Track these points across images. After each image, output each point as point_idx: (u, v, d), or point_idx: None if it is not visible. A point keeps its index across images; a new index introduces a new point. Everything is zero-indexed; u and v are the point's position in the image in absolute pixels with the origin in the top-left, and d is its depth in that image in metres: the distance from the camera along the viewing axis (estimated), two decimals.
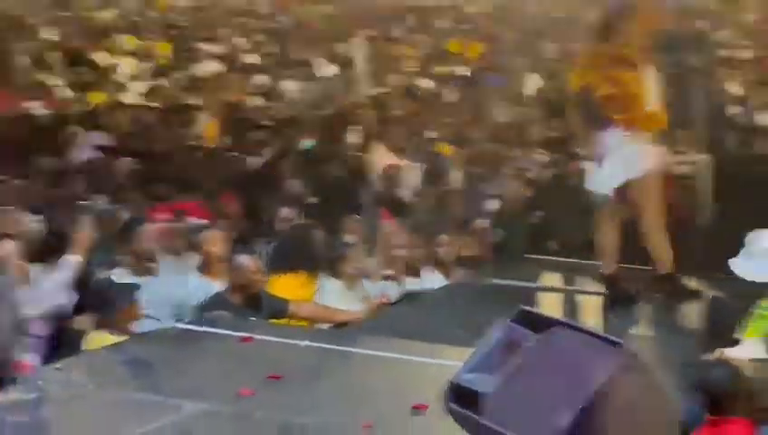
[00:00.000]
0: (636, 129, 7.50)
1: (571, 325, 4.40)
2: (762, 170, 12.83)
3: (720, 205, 11.83)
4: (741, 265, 6.91)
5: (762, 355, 5.82)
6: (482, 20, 24.41)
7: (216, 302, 7.14)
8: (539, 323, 4.44)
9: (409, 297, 7.98)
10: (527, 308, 4.81)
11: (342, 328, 7.14)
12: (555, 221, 10.18)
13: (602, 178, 7.59)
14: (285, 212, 8.56)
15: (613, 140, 7.49)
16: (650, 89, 7.56)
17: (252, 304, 7.10)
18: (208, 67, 16.49)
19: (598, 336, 4.24)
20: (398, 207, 9.60)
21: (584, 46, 7.89)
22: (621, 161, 7.50)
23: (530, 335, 4.37)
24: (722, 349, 5.88)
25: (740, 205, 11.39)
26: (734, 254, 8.68)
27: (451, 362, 5.76)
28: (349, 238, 7.96)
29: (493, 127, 12.48)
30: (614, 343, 4.11)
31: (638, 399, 4.01)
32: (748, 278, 6.81)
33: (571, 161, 10.68)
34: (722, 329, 6.08)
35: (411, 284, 8.18)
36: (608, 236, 7.83)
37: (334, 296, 7.44)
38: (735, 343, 5.96)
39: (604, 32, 7.56)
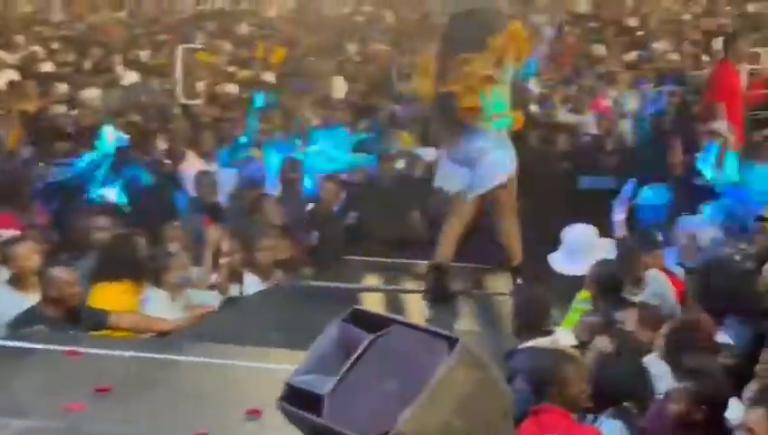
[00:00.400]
0: (499, 132, 7.83)
1: (406, 323, 4.46)
2: (562, 168, 13.29)
3: (524, 201, 12.21)
4: (557, 260, 7.20)
5: (571, 342, 6.04)
6: (282, 24, 24.49)
7: (29, 316, 6.96)
8: (373, 323, 4.48)
9: (231, 303, 7.95)
10: (360, 308, 4.86)
11: (166, 337, 7.06)
12: (371, 222, 10.30)
13: (472, 179, 7.89)
14: (101, 221, 8.38)
15: (480, 142, 7.76)
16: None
17: (70, 316, 6.95)
18: (4, 76, 16.02)
19: (432, 332, 4.31)
20: (214, 213, 9.53)
21: (441, 54, 7.93)
22: (491, 165, 7.83)
23: (364, 335, 4.42)
24: (535, 339, 6.08)
25: (543, 201, 11.80)
26: (540, 247, 9.04)
27: (280, 365, 5.78)
28: (171, 246, 7.86)
29: (301, 130, 12.51)
30: (449, 339, 4.20)
31: (475, 392, 4.10)
32: (563, 272, 7.10)
33: (384, 162, 10.82)
34: (537, 321, 6.26)
35: (234, 289, 8.15)
36: (454, 232, 8.11)
37: (159, 305, 7.36)
38: (548, 334, 6.17)
39: (472, 45, 7.69)
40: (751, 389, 5.49)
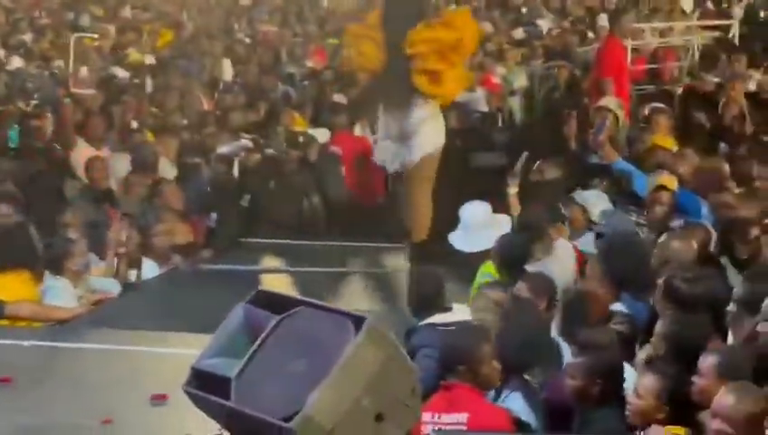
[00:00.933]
0: (442, 103, 8.43)
1: (312, 303, 4.49)
2: (454, 145, 13.42)
3: None
4: (457, 239, 7.28)
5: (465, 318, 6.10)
6: (167, 6, 24.16)
7: None
8: (278, 304, 4.51)
9: (130, 289, 7.89)
10: (264, 289, 4.88)
11: (65, 325, 6.98)
12: (265, 205, 10.29)
13: (410, 150, 8.33)
14: (3, 209, 8.22)
15: (420, 113, 8.24)
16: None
17: None
18: None
19: (339, 312, 4.35)
20: (107, 199, 9.41)
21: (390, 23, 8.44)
22: (425, 136, 8.34)
23: (270, 316, 4.44)
24: (433, 316, 6.13)
25: (436, 179, 11.93)
26: (434, 225, 9.17)
27: (182, 349, 5.77)
28: (70, 233, 7.75)
29: (195, 114, 12.41)
30: (356, 318, 4.24)
31: (383, 370, 4.16)
32: (464, 250, 7.18)
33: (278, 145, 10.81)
34: (432, 298, 6.30)
35: (132, 275, 8.08)
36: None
37: (60, 294, 7.25)
38: (446, 310, 6.22)
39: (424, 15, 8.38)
40: (641, 356, 5.63)
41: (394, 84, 8.32)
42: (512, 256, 6.73)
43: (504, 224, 7.39)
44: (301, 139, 11.27)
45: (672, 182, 7.83)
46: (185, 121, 12.13)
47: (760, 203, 7.48)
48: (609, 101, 10.01)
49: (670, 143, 9.63)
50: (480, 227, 7.31)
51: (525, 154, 8.87)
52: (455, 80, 8.37)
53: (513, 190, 8.30)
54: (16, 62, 16.28)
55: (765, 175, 7.89)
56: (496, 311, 5.90)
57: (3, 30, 19.80)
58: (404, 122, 8.30)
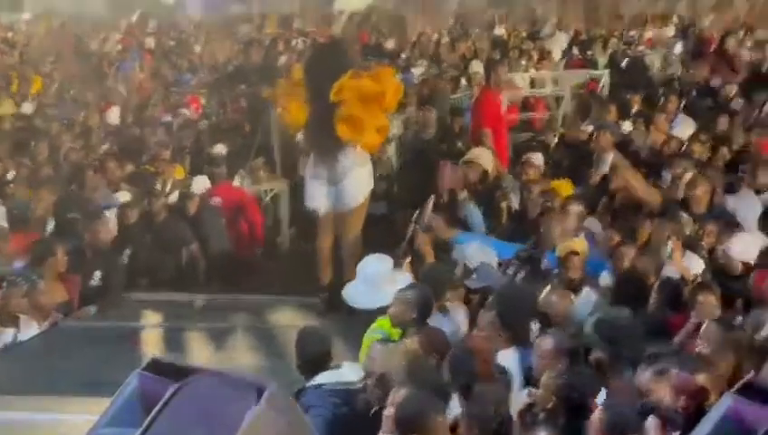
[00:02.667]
0: (366, 151, 8.65)
1: (210, 371, 4.45)
2: None
3: (297, 228, 12.35)
4: (357, 294, 7.27)
5: (358, 377, 6.08)
6: (36, 53, 23.80)
7: None
8: (174, 371, 4.46)
9: (7, 350, 7.70)
10: (158, 357, 4.81)
11: None
12: (146, 258, 10.18)
13: (339, 196, 8.59)
14: None
15: (347, 160, 8.51)
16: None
17: None
18: None
19: (237, 379, 4.32)
20: None
21: (313, 79, 8.75)
22: (358, 182, 8.63)
23: (166, 385, 4.38)
24: (321, 374, 6.09)
25: (313, 228, 11.95)
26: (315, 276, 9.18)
27: (65, 414, 5.66)
28: None
29: (70, 165, 12.19)
30: (256, 385, 4.21)
31: None
32: (357, 306, 7.17)
33: (155, 198, 10.70)
34: (319, 357, 6.26)
35: (8, 335, 7.89)
36: (325, 249, 8.92)
37: None
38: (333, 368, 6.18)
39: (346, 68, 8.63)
40: (519, 403, 5.69)
41: (320, 132, 8.56)
42: (423, 309, 6.74)
43: (402, 280, 7.37)
44: (179, 190, 11.18)
45: (582, 244, 7.96)
46: (59, 174, 11.89)
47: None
48: (479, 155, 10.16)
49: (569, 188, 9.77)
50: (382, 282, 7.31)
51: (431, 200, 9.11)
52: (376, 130, 8.60)
53: (423, 239, 8.38)
54: None
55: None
56: (391, 366, 5.88)
57: None
58: (331, 168, 8.48)
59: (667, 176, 10.16)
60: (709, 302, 6.53)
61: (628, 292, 6.96)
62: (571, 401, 5.29)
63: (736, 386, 3.43)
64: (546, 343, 5.91)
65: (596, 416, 4.93)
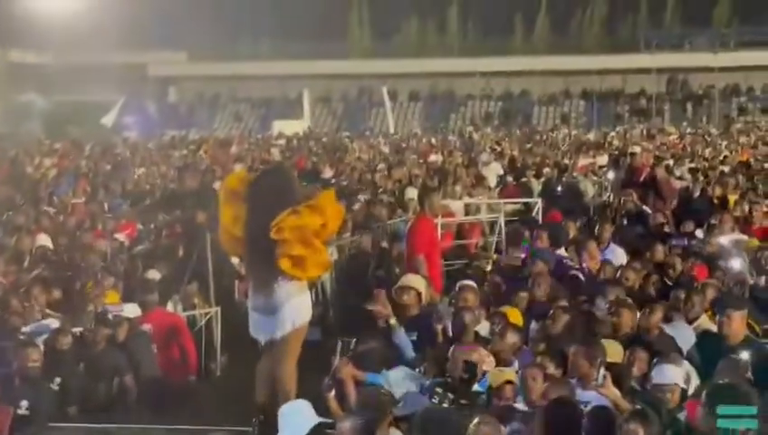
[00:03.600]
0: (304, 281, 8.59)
1: None
2: None
3: (229, 354, 12.23)
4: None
5: None
6: None
7: None
8: None
9: None
10: None
11: None
12: (75, 387, 9.99)
13: (277, 324, 8.45)
14: None
15: (284, 291, 8.40)
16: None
17: None
18: None
19: None
20: None
21: (254, 207, 8.57)
22: (295, 311, 8.49)
23: None
24: None
25: (247, 355, 11.84)
26: (249, 406, 9.08)
27: None
28: None
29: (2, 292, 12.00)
30: None
31: None
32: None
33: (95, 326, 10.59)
34: None
35: None
36: (264, 372, 8.71)
37: None
38: None
39: (287, 200, 8.47)
40: None
41: (259, 263, 8.49)
42: None
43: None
44: (111, 316, 11.03)
45: (513, 375, 7.97)
46: None
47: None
48: (412, 280, 10.18)
49: (518, 316, 9.78)
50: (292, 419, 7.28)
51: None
52: (317, 264, 8.58)
53: (346, 372, 8.44)
54: None
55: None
56: None
57: None
58: (270, 298, 8.44)
59: (600, 303, 10.24)
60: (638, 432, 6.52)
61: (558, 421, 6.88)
62: None
63: None
64: None
65: None
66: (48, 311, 11.32)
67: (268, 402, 8.53)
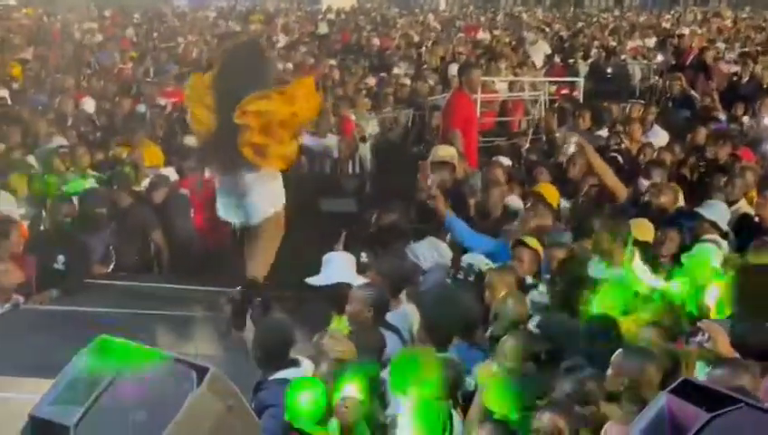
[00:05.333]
0: (274, 169, 8.05)
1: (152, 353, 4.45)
2: (303, 190, 13.45)
3: None
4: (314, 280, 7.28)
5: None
6: (16, 38, 23.73)
7: None
8: (121, 353, 4.46)
9: None
10: (108, 338, 4.82)
11: None
12: (114, 245, 10.17)
13: (246, 210, 8.10)
14: None
15: (250, 177, 7.97)
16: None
17: None
18: None
19: (180, 361, 4.33)
20: None
21: (221, 86, 8.09)
22: (260, 198, 8.04)
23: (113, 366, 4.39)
24: (284, 371, 6.04)
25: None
26: (282, 270, 9.18)
27: (18, 393, 5.66)
28: None
29: (43, 150, 12.15)
30: (198, 368, 4.22)
31: (224, 421, 4.14)
32: (316, 283, 7.18)
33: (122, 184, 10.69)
34: (279, 352, 6.19)
35: None
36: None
37: None
38: (295, 364, 6.14)
39: (258, 81, 7.98)
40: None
41: (223, 147, 8.02)
42: (379, 309, 6.74)
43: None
44: (150, 178, 11.15)
45: (533, 241, 7.96)
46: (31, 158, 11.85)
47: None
48: (444, 152, 10.14)
49: (553, 193, 9.69)
50: (330, 266, 7.35)
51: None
52: (280, 156, 8.03)
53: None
54: None
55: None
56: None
57: None
58: (235, 183, 8.07)
59: (642, 184, 10.19)
60: None
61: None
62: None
63: (671, 386, 3.45)
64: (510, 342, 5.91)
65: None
66: (90, 172, 11.47)
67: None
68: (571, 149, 10.36)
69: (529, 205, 9.12)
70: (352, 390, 5.48)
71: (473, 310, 6.63)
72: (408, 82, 18.32)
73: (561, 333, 5.99)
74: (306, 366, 6.05)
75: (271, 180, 8.11)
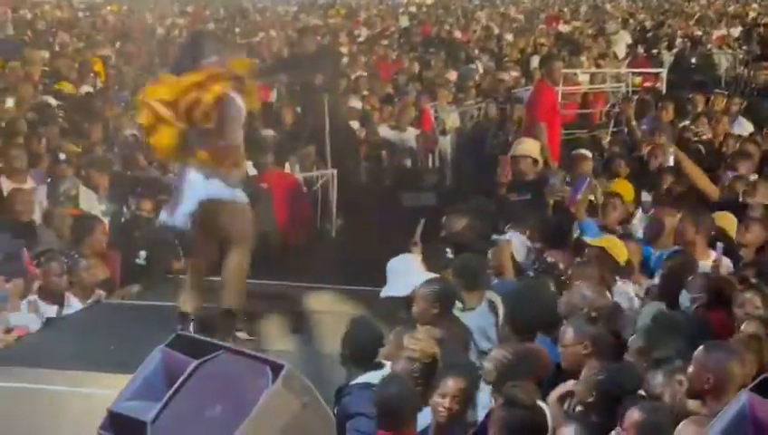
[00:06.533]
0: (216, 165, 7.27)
1: (230, 348, 4.47)
2: (383, 184, 13.48)
3: (343, 218, 12.37)
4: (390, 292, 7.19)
5: None
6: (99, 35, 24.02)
7: None
8: (197, 348, 4.49)
9: (51, 324, 7.76)
10: (183, 333, 4.85)
11: None
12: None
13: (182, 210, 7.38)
14: None
15: (189, 175, 7.34)
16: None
17: None
18: None
19: (257, 358, 4.34)
20: (28, 233, 9.24)
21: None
22: (188, 197, 7.35)
23: (189, 360, 4.41)
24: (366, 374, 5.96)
25: (362, 217, 11.96)
26: (362, 266, 9.16)
27: (100, 389, 5.71)
28: None
29: (123, 147, 12.26)
30: (273, 364, 4.23)
31: (299, 417, 4.15)
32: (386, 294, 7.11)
33: None
34: (368, 353, 6.12)
35: (52, 310, 7.96)
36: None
37: None
38: (378, 367, 6.05)
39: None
40: (554, 396, 5.61)
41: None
42: (445, 304, 6.64)
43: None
44: None
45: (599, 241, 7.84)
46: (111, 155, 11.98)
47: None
48: (527, 147, 10.03)
49: (629, 189, 9.56)
50: (401, 273, 7.22)
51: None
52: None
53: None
54: None
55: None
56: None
57: None
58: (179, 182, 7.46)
59: (726, 176, 10.00)
60: (753, 301, 6.39)
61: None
62: (610, 398, 5.21)
63: (753, 383, 3.36)
64: (568, 332, 5.82)
65: (634, 416, 4.84)
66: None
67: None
68: (670, 161, 10.17)
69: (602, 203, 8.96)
70: (450, 388, 5.40)
71: (554, 305, 6.54)
72: (488, 74, 18.23)
73: (662, 326, 5.87)
74: (388, 369, 5.96)
75: (205, 182, 7.27)
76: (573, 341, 5.78)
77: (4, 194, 10.06)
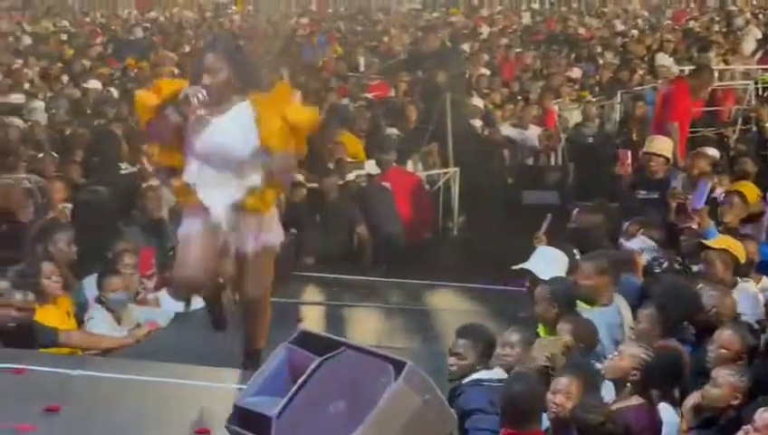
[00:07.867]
0: None
1: (353, 346, 4.54)
2: (505, 182, 13.45)
3: (466, 216, 12.40)
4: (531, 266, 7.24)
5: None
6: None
7: None
8: (321, 345, 4.57)
9: (179, 319, 7.94)
10: (307, 330, 4.94)
11: (112, 355, 7.08)
12: (310, 238, 10.35)
13: None
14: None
15: None
16: None
17: (21, 334, 6.90)
18: None
19: (379, 355, 4.40)
20: (157, 229, 9.46)
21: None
22: None
23: (312, 357, 4.49)
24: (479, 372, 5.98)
25: (484, 216, 11.97)
26: (483, 264, 9.17)
27: (229, 384, 5.84)
28: (127, 260, 7.83)
29: None
30: (396, 362, 4.28)
31: (421, 415, 4.19)
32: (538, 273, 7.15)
33: (326, 177, 10.89)
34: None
35: (181, 305, 8.13)
36: None
37: (103, 323, 7.35)
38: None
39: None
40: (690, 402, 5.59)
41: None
42: (565, 303, 6.65)
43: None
44: (353, 173, 11.33)
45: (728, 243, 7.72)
46: None
47: None
48: (661, 145, 9.91)
49: (752, 190, 9.28)
50: (548, 260, 7.29)
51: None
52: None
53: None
54: (93, 84, 16.36)
55: None
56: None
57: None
58: None
59: None
60: None
61: None
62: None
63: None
64: (727, 335, 5.80)
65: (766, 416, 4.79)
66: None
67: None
68: None
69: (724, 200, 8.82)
70: (562, 385, 5.40)
71: (698, 300, 6.51)
72: (611, 71, 18.03)
73: None
74: (497, 368, 5.99)
75: None
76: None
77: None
